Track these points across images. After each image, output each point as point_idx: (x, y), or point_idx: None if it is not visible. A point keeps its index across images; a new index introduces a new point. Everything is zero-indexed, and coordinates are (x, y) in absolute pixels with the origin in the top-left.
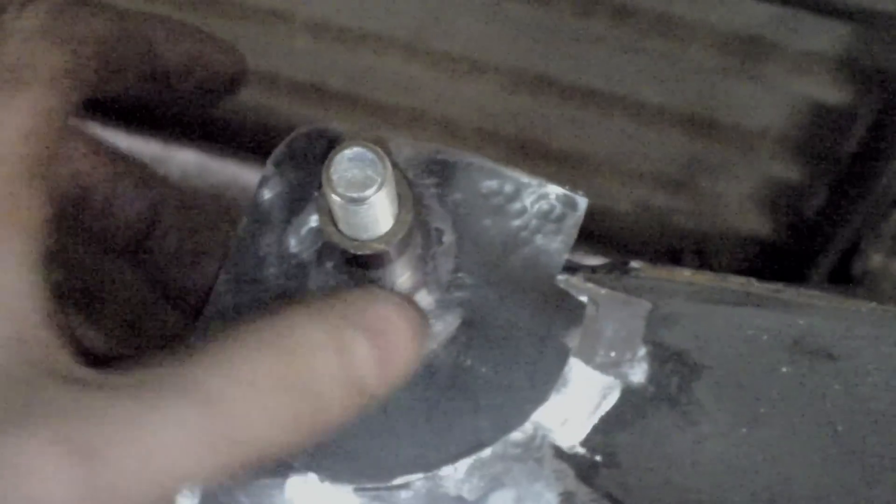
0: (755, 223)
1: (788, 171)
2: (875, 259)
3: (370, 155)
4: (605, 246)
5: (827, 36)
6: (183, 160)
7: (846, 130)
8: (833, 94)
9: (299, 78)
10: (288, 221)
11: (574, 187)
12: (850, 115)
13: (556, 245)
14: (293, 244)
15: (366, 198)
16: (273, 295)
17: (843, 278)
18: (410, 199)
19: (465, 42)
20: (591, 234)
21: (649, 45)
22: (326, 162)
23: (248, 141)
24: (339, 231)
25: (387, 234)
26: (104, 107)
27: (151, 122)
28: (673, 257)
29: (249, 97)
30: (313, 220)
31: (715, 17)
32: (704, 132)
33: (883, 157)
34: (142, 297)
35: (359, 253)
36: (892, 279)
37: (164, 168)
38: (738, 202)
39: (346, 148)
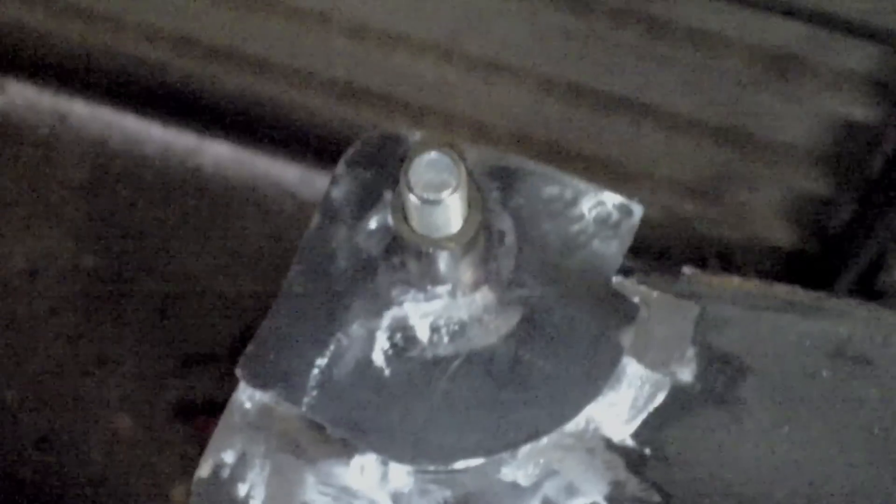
0: (781, 234)
1: (816, 184)
2: None
3: (447, 160)
4: (632, 250)
5: (858, 56)
6: (216, 152)
7: (874, 147)
8: (862, 111)
9: (335, 77)
10: (358, 218)
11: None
12: (878, 133)
13: (612, 249)
14: (362, 240)
15: (441, 199)
16: (342, 287)
17: (867, 292)
18: (479, 202)
19: (500, 47)
20: None
21: (683, 56)
22: (405, 164)
23: (282, 137)
24: (411, 229)
25: (457, 233)
26: (141, 97)
27: (187, 114)
28: (699, 264)
29: (285, 94)
30: (382, 219)
31: (749, 33)
32: (734, 144)
33: None
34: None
35: (430, 250)
36: None
37: (197, 159)
38: (765, 213)
39: (424, 152)
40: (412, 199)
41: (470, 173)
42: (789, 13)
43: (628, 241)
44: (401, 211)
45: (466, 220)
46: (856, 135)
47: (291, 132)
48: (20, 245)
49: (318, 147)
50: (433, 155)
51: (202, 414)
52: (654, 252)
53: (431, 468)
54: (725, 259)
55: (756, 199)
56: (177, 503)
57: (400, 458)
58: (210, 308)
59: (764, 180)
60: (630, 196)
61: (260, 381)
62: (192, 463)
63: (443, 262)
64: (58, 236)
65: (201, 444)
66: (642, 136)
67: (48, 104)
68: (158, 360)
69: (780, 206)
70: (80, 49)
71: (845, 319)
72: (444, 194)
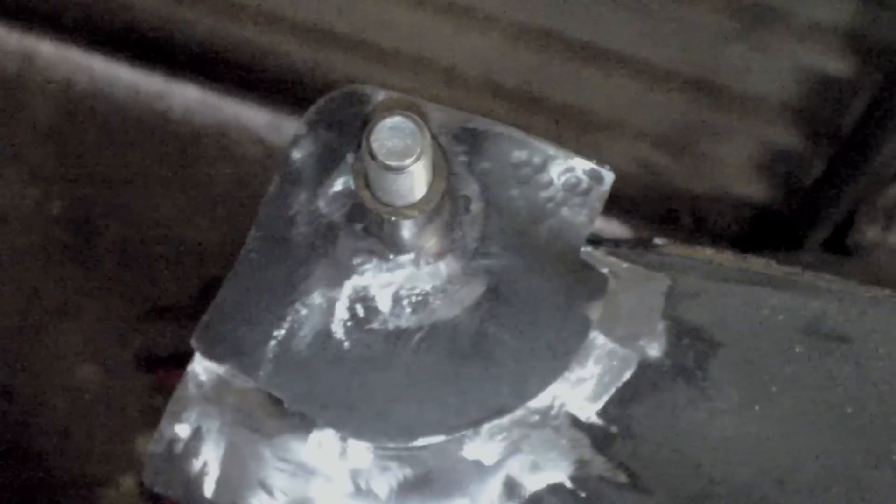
0: (753, 188)
1: (788, 139)
2: (870, 231)
3: (411, 125)
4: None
5: (834, 8)
6: (185, 95)
7: (847, 103)
8: (837, 66)
9: (305, 21)
10: (319, 182)
11: (578, 144)
12: (852, 88)
13: (582, 218)
14: (324, 205)
15: (405, 167)
16: (302, 255)
17: (837, 248)
18: (444, 168)
19: None
20: None
21: (657, 6)
22: (367, 129)
23: (251, 81)
24: (373, 196)
25: (420, 201)
26: (110, 38)
27: (155, 56)
28: (670, 216)
29: (252, 36)
30: (345, 182)
31: None
32: (707, 96)
33: (882, 131)
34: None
35: (393, 218)
36: (887, 252)
37: (165, 103)
38: (737, 167)
39: (386, 117)
40: (374, 165)
41: (434, 137)
42: None
43: (598, 210)
44: (362, 177)
45: (430, 187)
46: (829, 89)
47: (260, 76)
48: None
49: (288, 92)
50: (396, 119)
51: (165, 364)
52: (624, 205)
53: (392, 445)
54: (697, 214)
55: (728, 152)
56: (140, 453)
57: (359, 435)
58: (175, 256)
59: (736, 133)
60: (602, 147)
61: (216, 353)
62: (155, 413)
63: (406, 230)
64: (22, 180)
65: (164, 396)
66: (614, 85)
67: (15, 44)
68: (122, 310)
69: (752, 160)
70: None
71: (821, 294)
72: (408, 161)
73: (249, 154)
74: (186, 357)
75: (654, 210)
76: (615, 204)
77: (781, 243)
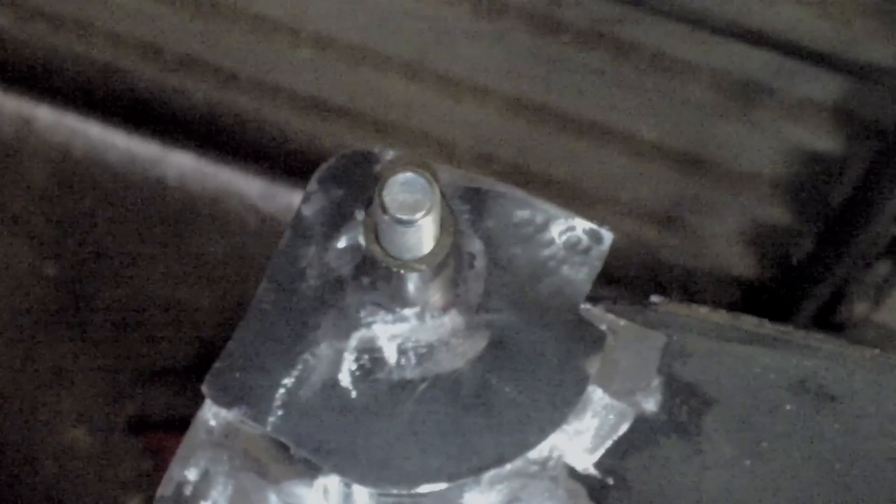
0: (741, 264)
1: (777, 215)
2: (859, 307)
3: (422, 181)
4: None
5: (823, 85)
6: (180, 163)
7: (836, 179)
8: (826, 142)
9: (301, 91)
10: (328, 237)
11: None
12: (842, 164)
13: (581, 276)
14: (332, 259)
15: (415, 220)
16: (311, 306)
17: (827, 324)
18: (451, 224)
19: (467, 66)
20: None
21: (648, 81)
22: (380, 184)
23: (246, 150)
24: (382, 250)
25: (428, 255)
26: (107, 105)
27: (151, 123)
28: (659, 290)
29: (248, 105)
30: (353, 238)
31: (714, 60)
32: (697, 171)
33: (872, 207)
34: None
35: (401, 272)
36: (875, 328)
37: (160, 170)
38: (726, 242)
39: (399, 172)
40: (385, 219)
41: (442, 194)
42: (755, 41)
43: (598, 268)
44: (372, 231)
45: (437, 242)
46: (819, 165)
47: (256, 145)
48: None
49: (283, 161)
50: (408, 175)
51: (157, 429)
52: (616, 278)
53: (394, 492)
54: (687, 289)
55: (718, 227)
56: None
57: (363, 481)
58: (169, 321)
59: (726, 208)
60: (592, 220)
61: (226, 399)
62: (146, 478)
63: (412, 283)
64: (18, 243)
65: (154, 460)
66: (607, 160)
67: (12, 108)
68: (115, 374)
69: (742, 236)
70: (46, 54)
71: (811, 353)
72: (418, 215)
73: (243, 222)
74: (179, 421)
75: (644, 284)
76: (607, 277)
77: (770, 318)
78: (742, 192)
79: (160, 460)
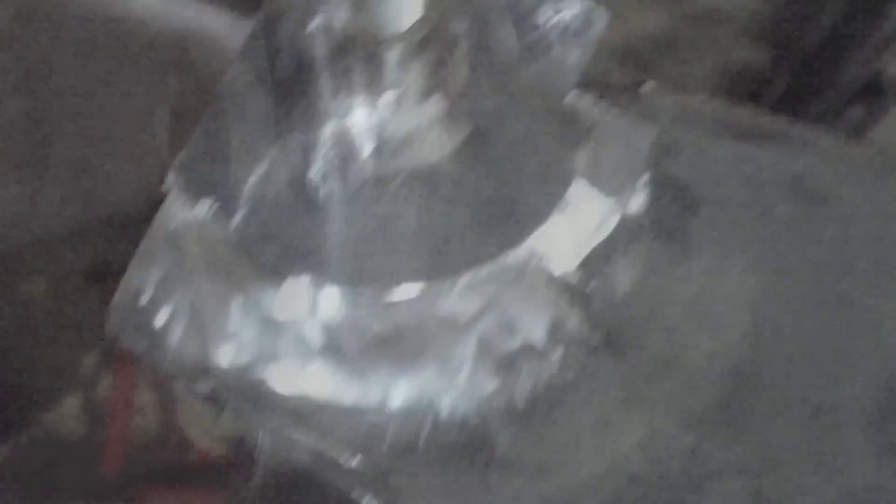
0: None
1: (751, 56)
2: None
3: None
4: None
5: None
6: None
7: (812, 18)
8: None
9: None
10: (304, 14)
11: None
12: (817, 5)
13: (572, 59)
14: (307, 40)
15: None
16: (281, 94)
17: None
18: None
19: None
20: None
21: None
22: None
23: None
24: (362, 21)
25: (409, 30)
26: None
27: None
28: None
29: None
30: (330, 15)
31: None
32: (671, 9)
33: (846, 49)
34: None
35: (379, 50)
36: None
37: (126, 6)
38: (699, 83)
39: None
40: None
41: None
42: None
43: (589, 52)
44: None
45: (421, 18)
46: (794, 5)
47: None
48: None
49: None
50: None
51: (118, 276)
52: None
53: (366, 295)
54: None
55: (690, 68)
56: (84, 374)
57: (333, 281)
58: (132, 164)
59: (699, 49)
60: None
61: (193, 189)
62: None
63: (392, 63)
64: None
65: None
66: None
67: None
68: (75, 220)
69: (714, 77)
70: None
71: (806, 150)
72: None
73: (209, 60)
74: None
75: None
76: None
77: None
78: (715, 31)
79: None
